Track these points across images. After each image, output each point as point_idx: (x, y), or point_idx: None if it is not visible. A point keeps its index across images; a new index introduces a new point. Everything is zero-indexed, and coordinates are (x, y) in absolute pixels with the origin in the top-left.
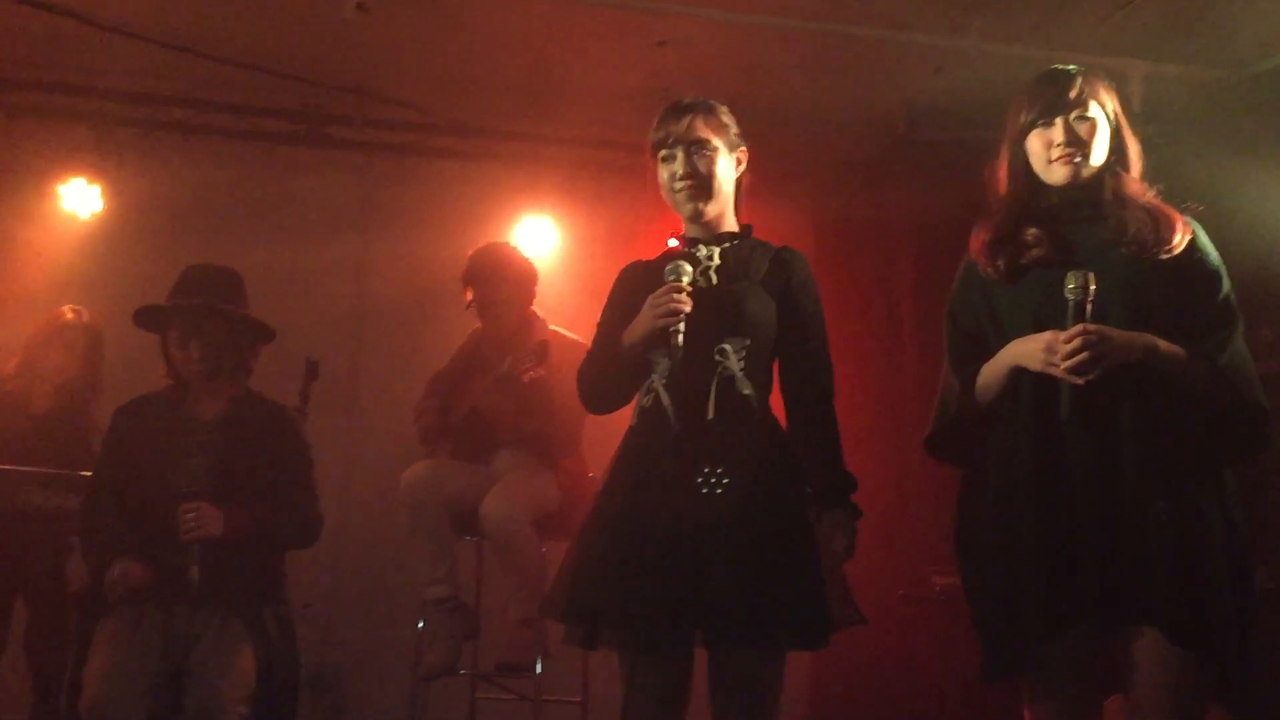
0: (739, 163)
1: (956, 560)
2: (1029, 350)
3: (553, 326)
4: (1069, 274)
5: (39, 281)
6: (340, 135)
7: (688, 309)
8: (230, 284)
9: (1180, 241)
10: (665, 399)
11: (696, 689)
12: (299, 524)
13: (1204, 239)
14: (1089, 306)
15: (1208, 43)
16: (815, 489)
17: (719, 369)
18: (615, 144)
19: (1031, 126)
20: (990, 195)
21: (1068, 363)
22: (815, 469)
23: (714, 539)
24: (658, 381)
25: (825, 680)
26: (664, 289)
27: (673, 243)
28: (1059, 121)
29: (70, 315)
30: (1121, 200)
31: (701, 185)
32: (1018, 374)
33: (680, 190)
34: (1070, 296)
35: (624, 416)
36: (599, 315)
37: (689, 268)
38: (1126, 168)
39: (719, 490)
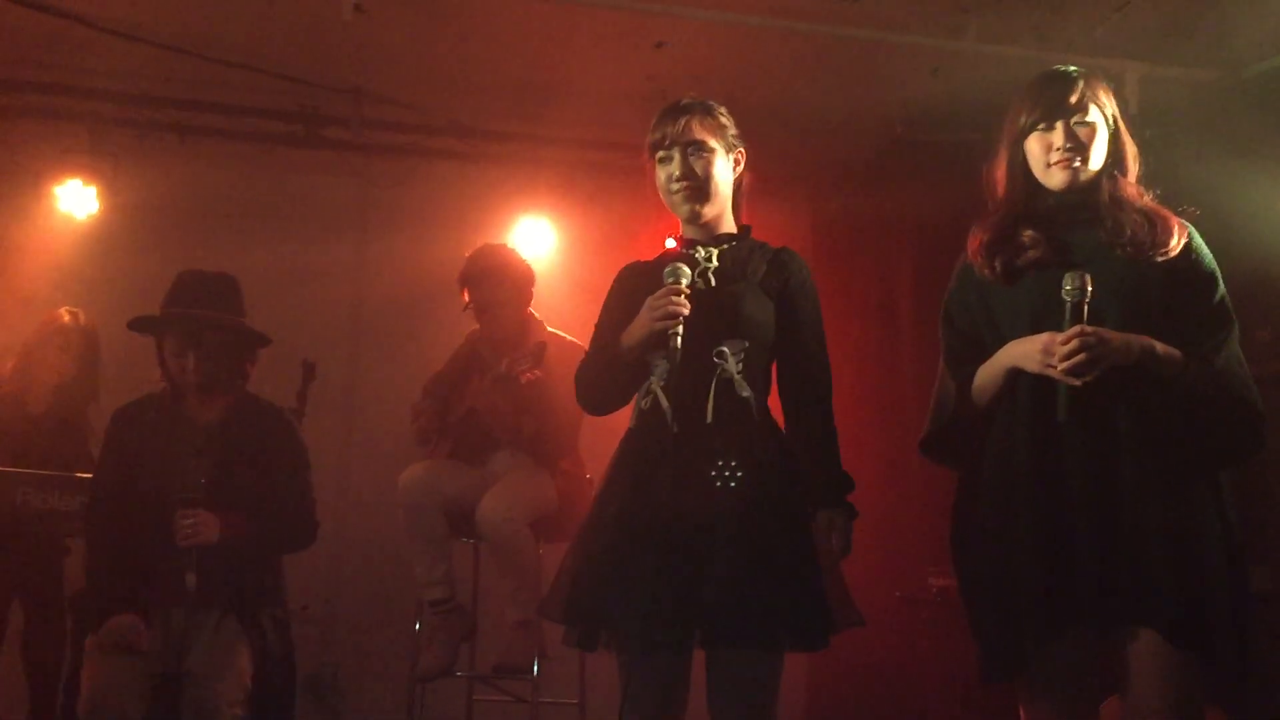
0: (737, 164)
1: (953, 561)
2: (1026, 352)
3: (550, 328)
4: (1066, 275)
5: (35, 283)
6: (337, 136)
7: (686, 311)
8: (226, 292)
9: (1177, 244)
10: (664, 401)
11: (694, 690)
12: (296, 527)
13: (1200, 242)
14: (1086, 308)
15: (1204, 44)
16: (811, 489)
17: (718, 371)
18: (613, 145)
19: (1031, 129)
20: (988, 196)
21: (1065, 364)
22: (812, 469)
23: (714, 539)
24: (656, 384)
25: (822, 681)
26: (662, 291)
27: (670, 243)
28: (1059, 125)
29: (67, 317)
30: (1118, 203)
31: (698, 187)
32: (1015, 375)
33: (677, 192)
34: (1067, 298)
35: (622, 418)
36: (596, 316)
37: (687, 270)
38: (1124, 171)
39: (733, 483)
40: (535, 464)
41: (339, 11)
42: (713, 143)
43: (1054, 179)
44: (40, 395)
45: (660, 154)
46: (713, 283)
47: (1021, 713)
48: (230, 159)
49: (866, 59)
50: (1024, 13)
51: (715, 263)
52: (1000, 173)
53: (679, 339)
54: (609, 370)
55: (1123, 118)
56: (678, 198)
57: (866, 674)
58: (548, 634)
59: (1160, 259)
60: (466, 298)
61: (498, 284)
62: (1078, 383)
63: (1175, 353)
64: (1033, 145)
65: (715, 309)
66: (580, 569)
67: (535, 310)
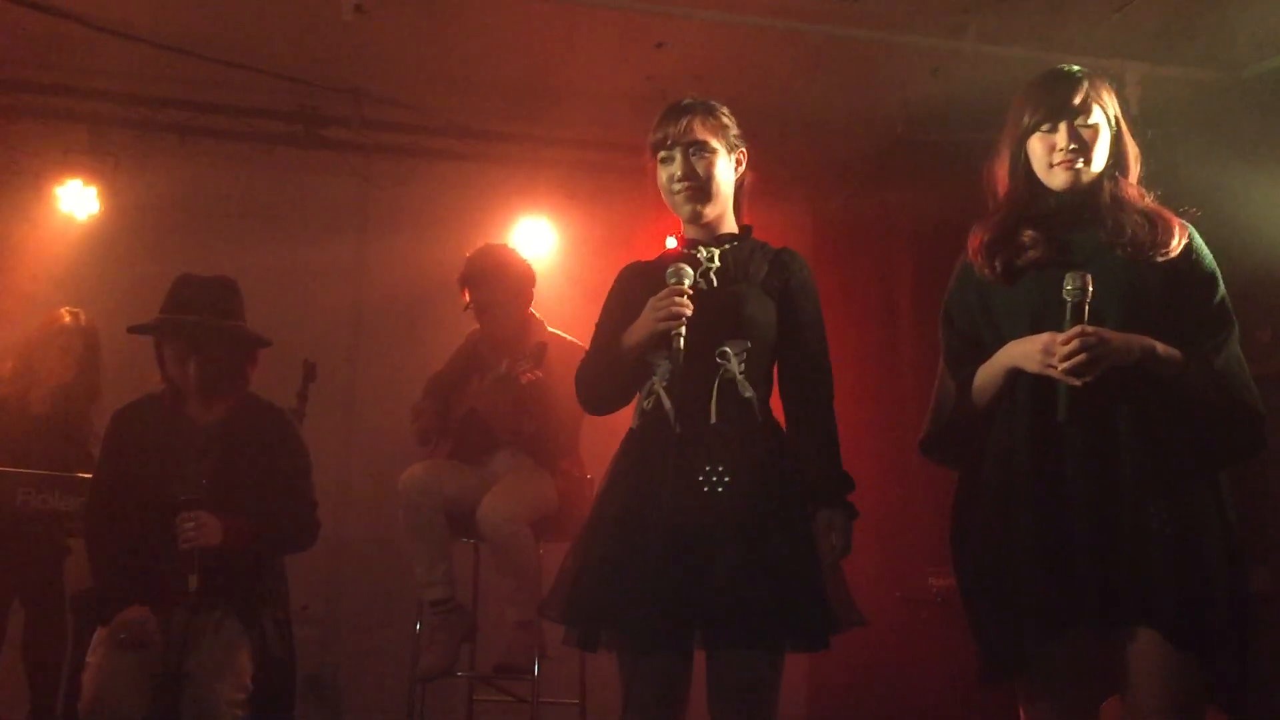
0: (738, 164)
1: (953, 561)
2: (1026, 352)
3: (551, 328)
4: (1067, 275)
5: (36, 284)
6: (338, 137)
7: (689, 312)
8: (225, 296)
9: (1177, 245)
10: (666, 401)
11: (695, 690)
12: (298, 528)
13: (1200, 242)
14: (1087, 308)
15: (1204, 45)
16: (812, 488)
17: (720, 371)
18: (613, 145)
19: (1034, 129)
20: (989, 195)
21: (1065, 364)
22: (813, 469)
23: (715, 540)
24: (658, 384)
25: (823, 681)
26: (665, 292)
27: (671, 243)
28: (1063, 126)
29: (68, 318)
30: (1119, 204)
31: (700, 187)
32: (1015, 375)
33: (679, 192)
34: (1068, 298)
35: (622, 419)
36: (597, 316)
37: (690, 270)
38: (1125, 172)
39: (720, 489)
40: (536, 464)
41: (339, 12)
42: (714, 143)
43: (1056, 179)
44: (41, 396)
45: (662, 154)
46: (715, 283)
47: (1021, 713)
48: (230, 159)
49: (867, 59)
50: (1024, 13)
51: (717, 263)
52: (1001, 172)
53: (682, 339)
54: (610, 370)
55: (1123, 118)
56: (679, 198)
57: (867, 674)
58: (548, 634)
59: (1160, 259)
60: (467, 298)
61: (498, 284)
62: (1078, 383)
63: (1175, 353)
64: (1035, 145)
65: (718, 309)
66: (581, 569)
67: (536, 310)
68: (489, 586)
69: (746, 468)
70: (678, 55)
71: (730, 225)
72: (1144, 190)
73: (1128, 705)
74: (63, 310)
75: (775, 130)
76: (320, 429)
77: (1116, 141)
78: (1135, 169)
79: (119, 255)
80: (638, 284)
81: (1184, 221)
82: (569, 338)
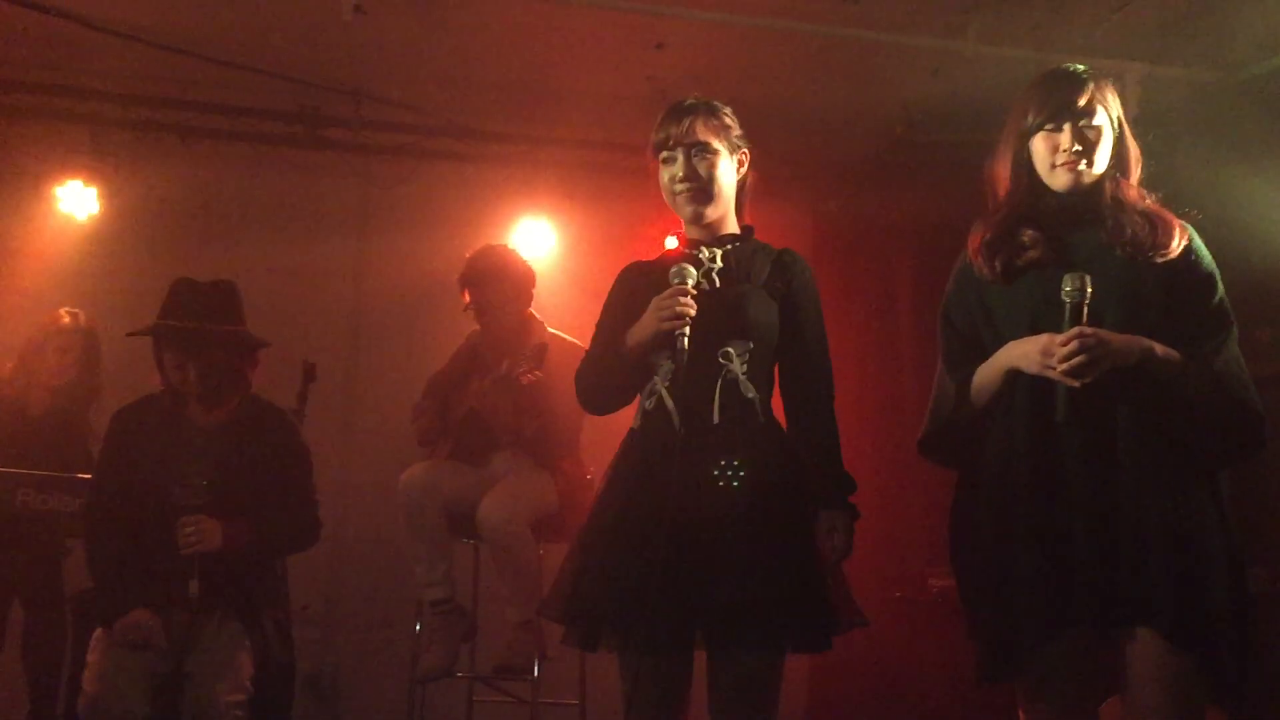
0: (741, 165)
1: (952, 561)
2: (1025, 352)
3: (551, 329)
4: (1066, 276)
5: (36, 284)
6: (337, 137)
7: (693, 312)
8: (224, 300)
9: (1177, 246)
10: (669, 401)
11: (695, 690)
12: (299, 528)
13: (1199, 243)
14: (1086, 309)
15: (1204, 45)
16: (813, 489)
17: (723, 372)
18: (613, 146)
19: (1038, 128)
20: (989, 193)
21: (1064, 365)
22: (815, 470)
23: (717, 541)
24: (661, 384)
25: (823, 681)
26: (669, 292)
27: (672, 243)
28: (1067, 127)
29: (67, 318)
30: (1120, 205)
31: (702, 188)
32: (1014, 376)
33: (680, 193)
34: (1067, 299)
35: (622, 419)
36: (597, 317)
37: (693, 270)
38: (1126, 174)
39: (735, 481)
40: (536, 465)
41: (339, 12)
42: (716, 144)
43: (1058, 180)
44: (40, 396)
45: (664, 154)
46: (717, 284)
47: (1020, 714)
48: (231, 160)
49: (866, 60)
50: (1024, 13)
51: (719, 263)
52: (1003, 170)
53: (686, 340)
54: (612, 370)
55: (1125, 119)
56: (681, 199)
57: (867, 674)
58: (548, 635)
59: (1160, 260)
60: (467, 298)
61: (498, 285)
62: (1077, 384)
63: (1174, 354)
64: (1038, 145)
65: (721, 310)
66: (581, 569)
67: (536, 311)
68: (489, 587)
69: (749, 468)
70: (678, 56)
71: (732, 226)
72: (1144, 191)
73: (1127, 705)
74: (62, 310)
75: (775, 131)
76: (320, 429)
77: (1119, 143)
78: (1136, 170)
79: (119, 256)
80: (640, 284)
81: (1184, 223)
82: (569, 338)
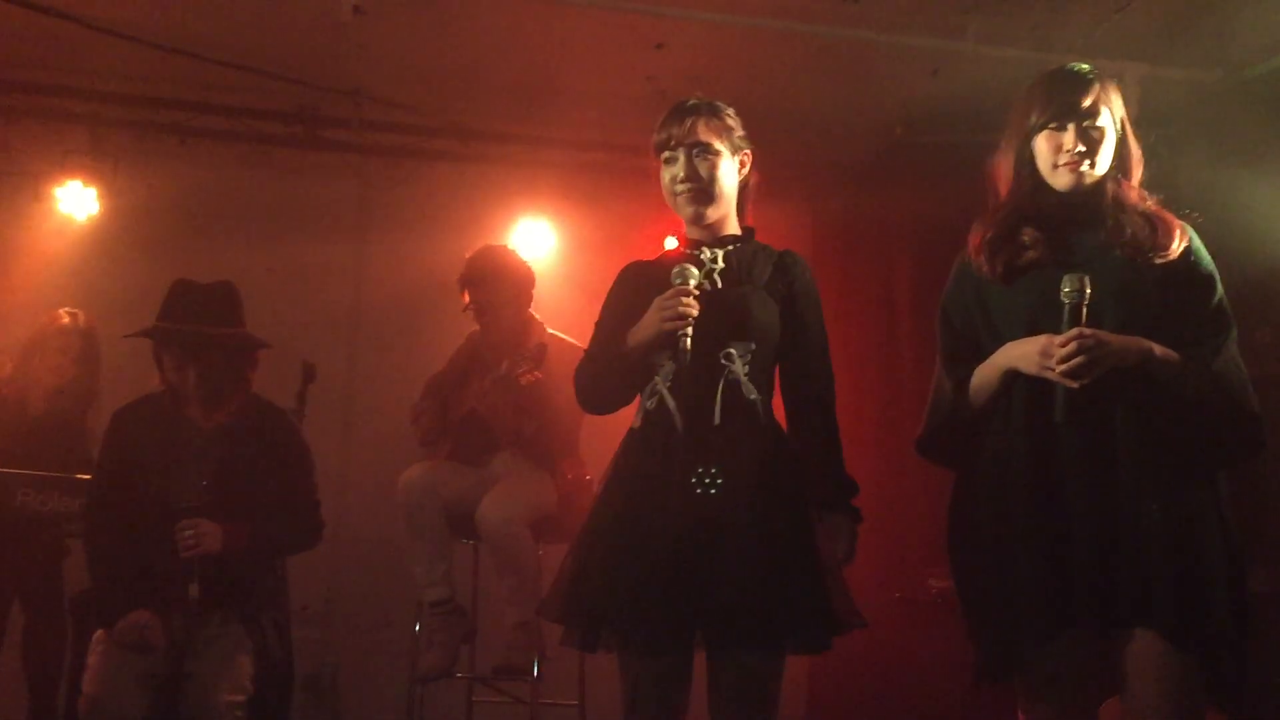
0: (742, 166)
1: (950, 561)
2: (1024, 353)
3: (550, 330)
4: (1065, 277)
5: (35, 284)
6: (337, 138)
7: (695, 313)
8: (223, 302)
9: (1177, 247)
10: (670, 402)
11: (695, 691)
12: (301, 528)
13: (1199, 244)
14: (1085, 310)
15: (1204, 46)
16: (816, 493)
17: (725, 373)
18: (612, 146)
19: (1042, 127)
20: (990, 191)
21: (1063, 366)
22: (817, 473)
23: (718, 541)
24: (662, 384)
25: (822, 682)
26: (672, 292)
27: (671, 243)
28: (1071, 127)
29: (66, 319)
30: (1121, 206)
31: (703, 189)
32: (1012, 377)
33: (681, 193)
34: (1066, 300)
35: (621, 420)
36: (597, 317)
37: (695, 271)
38: (1127, 175)
39: (712, 490)
40: (535, 465)
41: (338, 13)
42: (718, 145)
43: (1060, 180)
44: (40, 396)
45: (665, 154)
46: (719, 284)
47: (1020, 714)
48: (230, 160)
49: (866, 60)
50: (1024, 14)
51: (721, 264)
52: (1005, 169)
53: (688, 340)
54: (612, 370)
55: (1128, 121)
56: (682, 199)
57: (866, 675)
58: (547, 635)
59: (1159, 261)
60: (466, 299)
61: (498, 285)
62: (1075, 385)
63: (1173, 355)
64: (1041, 144)
65: (723, 311)
66: (581, 569)
67: (535, 311)
68: (488, 587)
69: (750, 469)
70: (677, 56)
71: (733, 227)
72: (1145, 193)
73: (1127, 706)
74: (61, 311)
75: (774, 131)
76: (319, 430)
77: (1121, 144)
78: (1138, 172)
79: (118, 256)
80: (640, 284)
81: (1184, 224)
82: (569, 339)
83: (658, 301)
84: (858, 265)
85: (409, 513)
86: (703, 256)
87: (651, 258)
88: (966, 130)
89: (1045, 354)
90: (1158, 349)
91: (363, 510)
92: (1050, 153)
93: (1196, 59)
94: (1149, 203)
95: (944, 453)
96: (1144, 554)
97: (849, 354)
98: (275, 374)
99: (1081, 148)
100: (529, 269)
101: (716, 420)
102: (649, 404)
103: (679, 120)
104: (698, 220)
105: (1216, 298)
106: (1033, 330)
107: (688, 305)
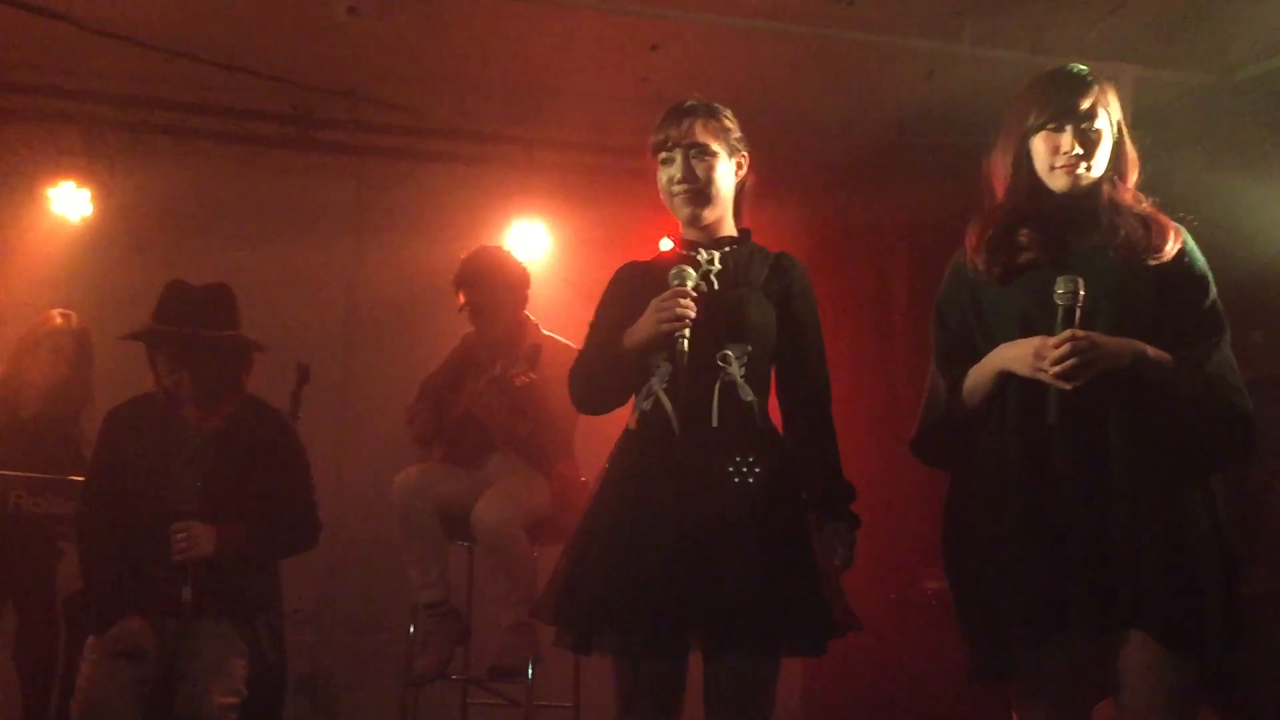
0: (739, 167)
1: (945, 562)
2: (1017, 355)
3: (545, 331)
4: (1059, 279)
5: (28, 285)
6: (332, 139)
7: (693, 315)
8: (218, 304)
9: (1171, 249)
10: (667, 403)
11: (690, 692)
12: (296, 531)
13: (1193, 245)
14: (1078, 312)
15: (1197, 48)
16: (814, 498)
17: (721, 375)
18: (608, 148)
19: (1040, 128)
20: (986, 191)
21: (1056, 368)
22: (814, 478)
23: (714, 543)
24: (658, 385)
25: (818, 684)
26: (669, 293)
27: (666, 244)
28: (1069, 129)
29: (59, 320)
30: (1116, 208)
31: (699, 190)
32: (1006, 378)
33: (678, 194)
34: (1059, 301)
35: (617, 422)
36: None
37: (693, 272)
38: (1123, 177)
39: (750, 479)
40: (530, 467)
41: (333, 14)
42: (715, 146)
43: (1057, 181)
44: (32, 398)
45: (662, 155)
46: (715, 286)
47: (1014, 715)
48: (225, 161)
49: (861, 62)
50: (1018, 16)
51: (718, 265)
52: (1001, 169)
53: (685, 342)
54: (608, 370)
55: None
56: (678, 200)
57: (862, 676)
58: (543, 636)
59: (1153, 263)
60: (461, 300)
61: (493, 286)
62: (1068, 386)
63: (1166, 357)
64: (1038, 145)
65: (719, 313)
66: (575, 571)
67: (530, 313)
68: (483, 589)
69: (758, 468)
70: (673, 57)
71: (729, 229)
72: (1141, 195)
73: (1121, 707)
74: (54, 312)
75: (770, 132)
76: (314, 431)
77: (1117, 146)
78: (1134, 174)
79: (112, 257)
80: (636, 284)
81: (1178, 226)
82: (564, 340)
83: (655, 303)
84: (853, 267)
85: (404, 514)
86: (699, 258)
87: (647, 259)
88: (962, 132)
89: (1038, 355)
90: (1151, 350)
91: (357, 512)
92: (1047, 154)
93: (1190, 61)
94: (1144, 205)
95: (938, 453)
96: (1137, 555)
97: (844, 355)
98: (269, 375)
99: (1079, 150)
100: (524, 270)
101: (715, 422)
102: (645, 405)
103: (676, 121)
104: (694, 221)
105: (1210, 299)
106: (1026, 331)
107: (685, 307)
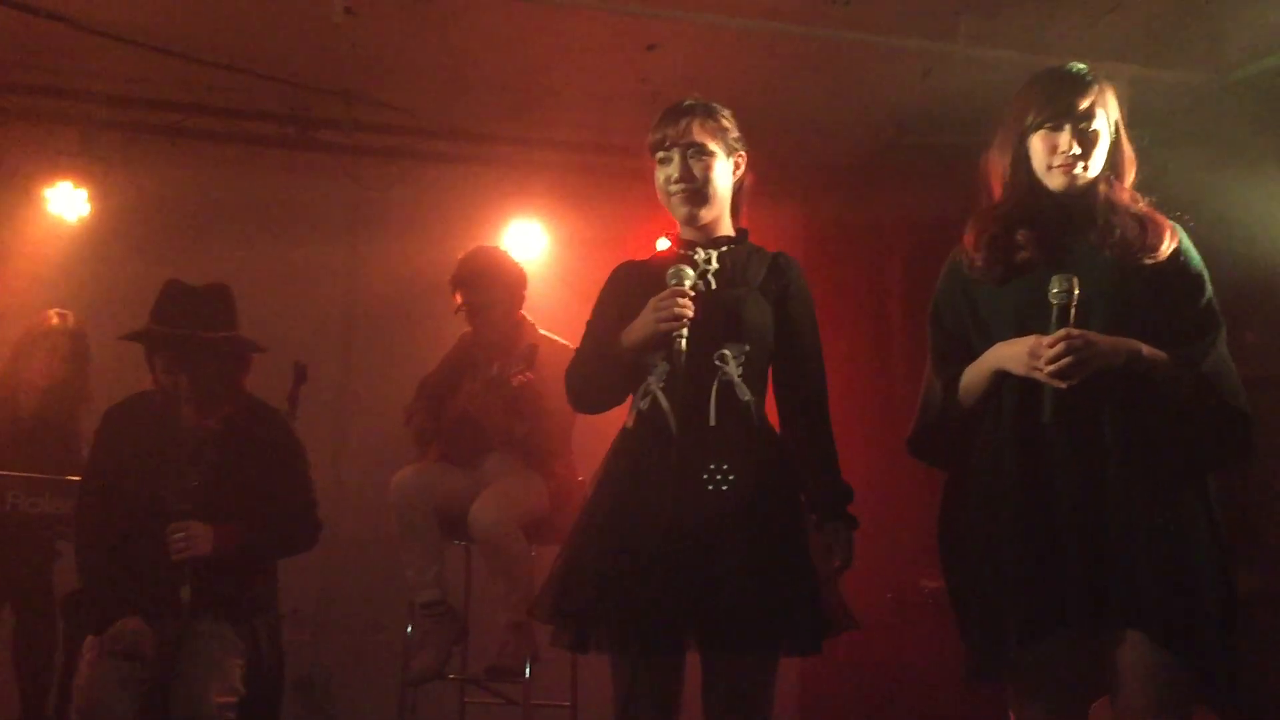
0: (737, 167)
1: (941, 562)
2: (1012, 354)
3: (542, 331)
4: (1053, 278)
5: (25, 285)
6: (329, 139)
7: (691, 314)
8: (217, 305)
9: (1167, 249)
10: (664, 403)
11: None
12: (295, 530)
13: (1188, 244)
14: (1073, 311)
15: (1194, 47)
16: (812, 499)
17: (719, 374)
18: (604, 148)
19: (1038, 127)
20: (982, 189)
21: (1051, 367)
22: (812, 479)
23: (712, 543)
24: (655, 385)
25: (815, 683)
26: (667, 293)
27: (663, 244)
28: (1067, 128)
29: (56, 320)
30: (1112, 207)
31: (697, 190)
32: (1001, 377)
33: (675, 193)
34: (1054, 301)
35: (614, 420)
36: (588, 319)
37: (691, 272)
38: (1120, 176)
39: (724, 486)
40: (527, 467)
41: (330, 14)
42: (713, 145)
43: (1054, 180)
44: (29, 397)
45: (660, 154)
46: (713, 285)
47: (1011, 714)
48: (221, 161)
49: (857, 62)
50: (1015, 15)
51: (715, 265)
52: (998, 167)
53: (683, 341)
54: (605, 369)
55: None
56: (675, 199)
57: (859, 675)
58: (540, 635)
59: (1149, 262)
60: (458, 300)
61: (489, 286)
62: (1064, 385)
63: (1161, 356)
64: (1037, 144)
65: (717, 312)
66: (572, 569)
67: (527, 313)
68: (481, 589)
69: (744, 471)
70: (670, 57)
71: (727, 228)
72: (1137, 195)
73: (1117, 707)
74: (51, 312)
75: (767, 132)
76: (311, 431)
77: (1114, 146)
78: (1130, 173)
79: (109, 257)
80: (633, 283)
81: (1174, 225)
82: (560, 340)
83: (653, 302)
84: (850, 266)
85: (401, 514)
86: (697, 257)
87: (644, 258)
88: (958, 132)
89: (1033, 354)
90: (1146, 349)
91: (355, 512)
92: (1045, 153)
93: (1186, 61)
94: (1141, 204)
95: (935, 453)
96: (1133, 555)
97: (841, 355)
98: (267, 375)
99: (1077, 149)
100: (521, 270)
101: (713, 421)
102: (642, 404)
103: (674, 120)
104: (691, 221)
105: (1206, 297)
106: (1022, 330)
107: (683, 306)
